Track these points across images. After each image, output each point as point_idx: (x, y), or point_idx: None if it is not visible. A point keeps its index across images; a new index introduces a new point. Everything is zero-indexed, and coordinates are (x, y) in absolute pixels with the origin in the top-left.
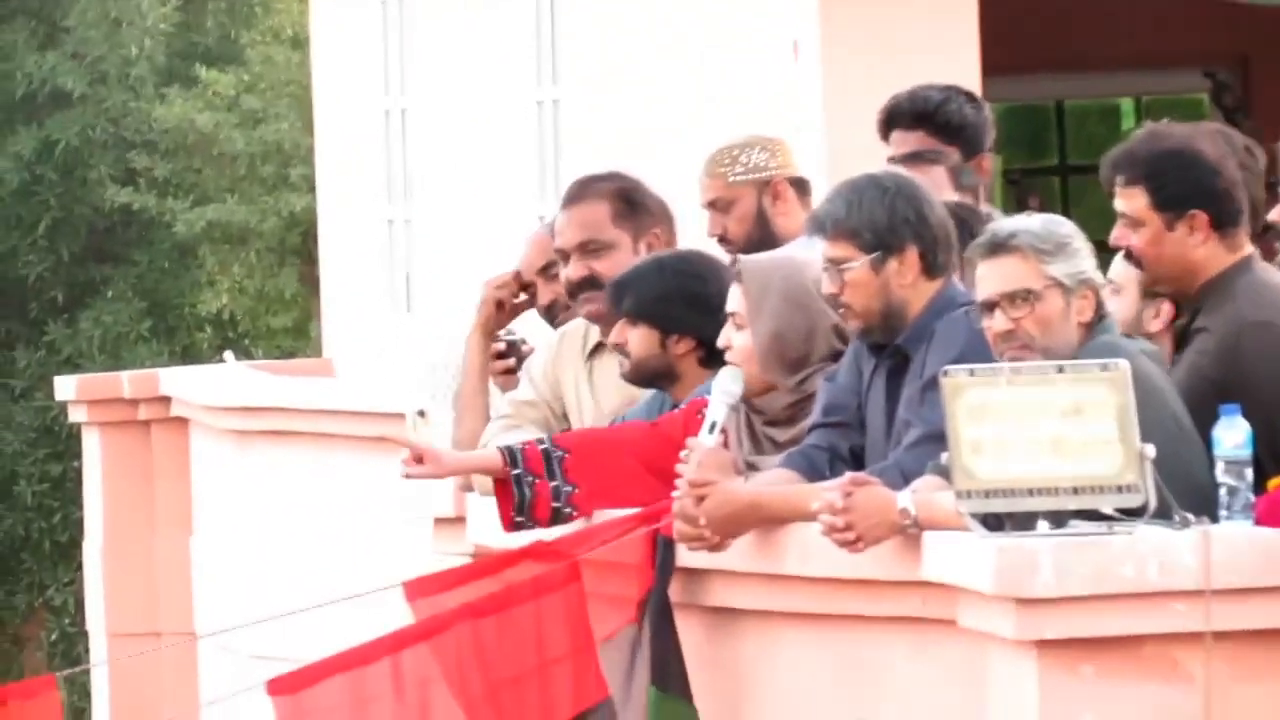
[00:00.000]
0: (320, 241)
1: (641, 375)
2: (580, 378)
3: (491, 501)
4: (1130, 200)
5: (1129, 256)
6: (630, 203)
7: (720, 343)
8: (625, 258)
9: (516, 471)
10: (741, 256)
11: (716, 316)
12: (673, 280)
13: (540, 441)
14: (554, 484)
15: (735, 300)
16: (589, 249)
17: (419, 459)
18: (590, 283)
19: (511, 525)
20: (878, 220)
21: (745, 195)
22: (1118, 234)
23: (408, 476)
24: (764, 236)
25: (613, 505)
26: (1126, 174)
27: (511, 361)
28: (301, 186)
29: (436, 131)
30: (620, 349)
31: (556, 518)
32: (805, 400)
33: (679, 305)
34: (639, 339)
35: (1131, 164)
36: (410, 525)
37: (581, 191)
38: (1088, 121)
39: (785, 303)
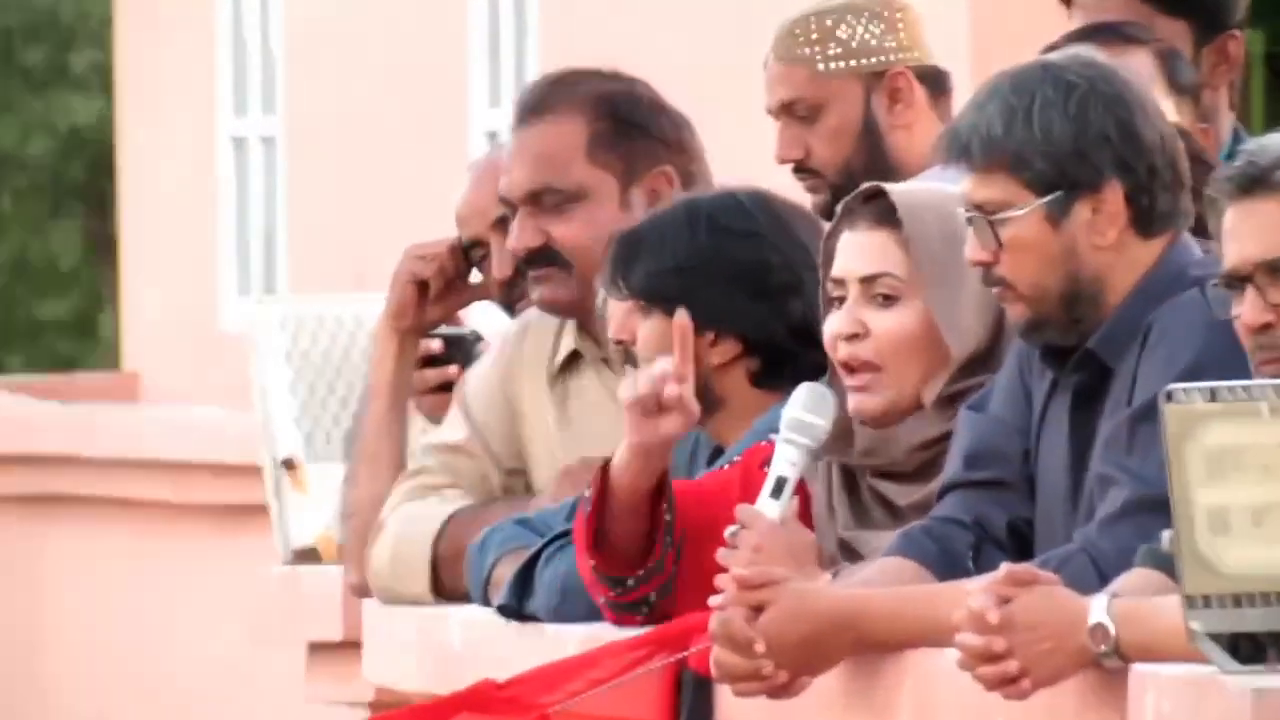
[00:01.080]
0: (119, 177)
1: None
2: (543, 403)
3: (402, 616)
4: None
5: None
6: (620, 123)
7: (838, 330)
8: (605, 215)
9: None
10: (890, 186)
11: (781, 305)
12: (713, 241)
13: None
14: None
15: (865, 256)
16: (545, 201)
17: None
18: (545, 254)
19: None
20: (1058, 139)
21: (844, 93)
22: None
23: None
24: (871, 163)
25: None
26: None
27: (453, 372)
28: (90, 83)
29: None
30: (625, 350)
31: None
32: (947, 439)
33: (723, 284)
34: (655, 337)
35: None
36: (267, 654)
37: (542, 102)
38: None
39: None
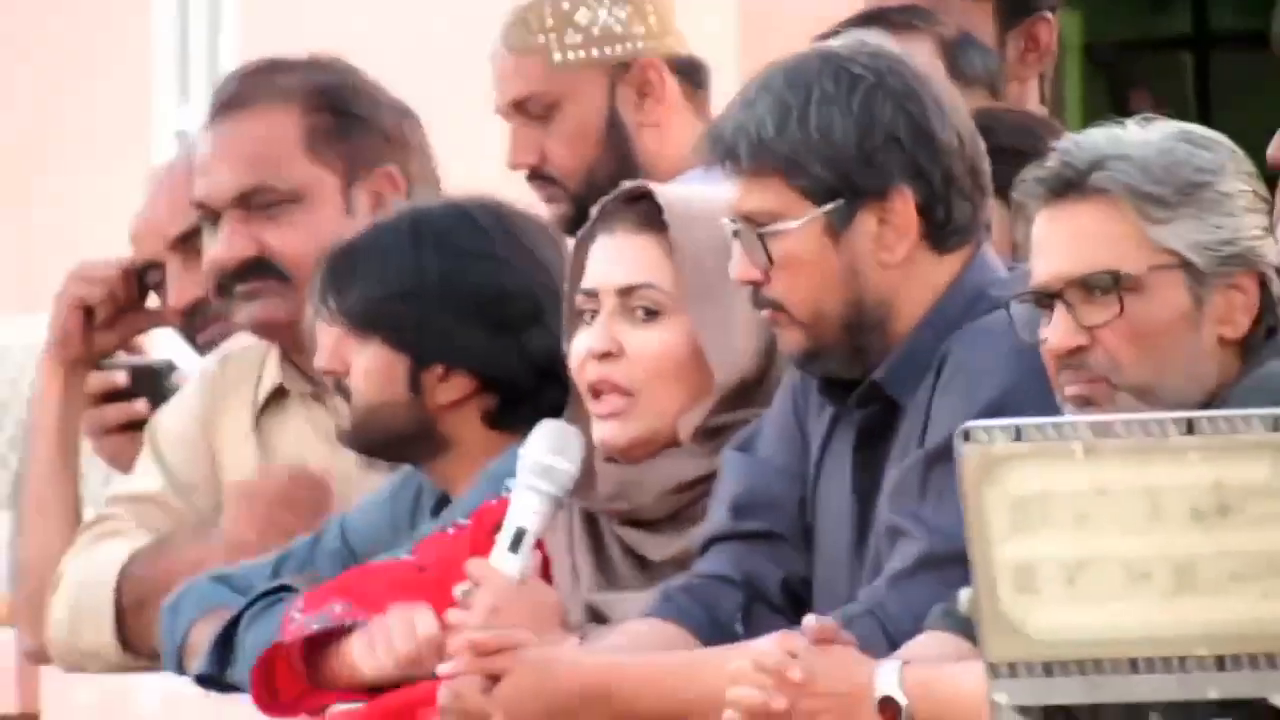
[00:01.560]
0: None
1: (371, 436)
2: (246, 446)
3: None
4: None
5: None
6: (340, 113)
7: (590, 347)
8: (327, 219)
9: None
10: (657, 187)
11: (518, 336)
12: (442, 263)
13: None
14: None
15: (624, 264)
16: (256, 203)
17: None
18: (258, 266)
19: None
20: (839, 141)
21: (585, 88)
22: None
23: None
24: (618, 167)
25: None
26: None
27: (140, 407)
28: None
29: None
30: (336, 382)
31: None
32: (709, 483)
33: (453, 312)
34: (371, 366)
35: None
36: None
37: (247, 91)
38: None
39: None
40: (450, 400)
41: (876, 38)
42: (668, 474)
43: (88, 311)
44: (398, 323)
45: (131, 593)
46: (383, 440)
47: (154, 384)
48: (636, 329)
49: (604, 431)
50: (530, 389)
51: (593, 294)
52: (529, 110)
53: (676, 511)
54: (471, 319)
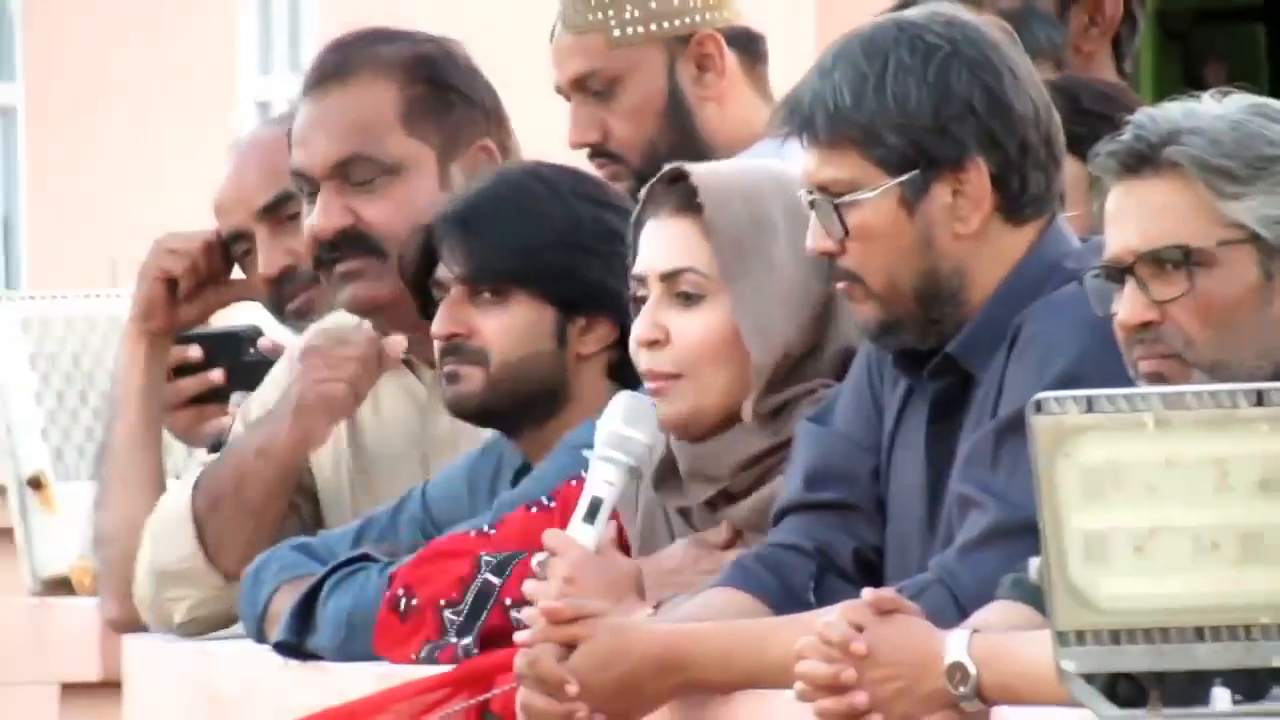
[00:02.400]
0: None
1: (509, 392)
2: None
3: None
4: None
5: None
6: (440, 87)
7: (637, 336)
8: (423, 193)
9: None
10: (693, 166)
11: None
12: (584, 205)
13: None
14: None
15: (666, 249)
16: (354, 174)
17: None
18: (353, 238)
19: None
20: (915, 111)
21: (645, 63)
22: None
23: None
24: (679, 142)
25: None
26: None
27: (215, 376)
28: None
29: None
30: (454, 346)
31: None
32: (779, 455)
33: (601, 255)
34: (515, 321)
35: None
36: (17, 694)
37: (347, 62)
38: None
39: (795, 254)
40: (590, 351)
41: (950, 7)
42: (737, 449)
43: (171, 283)
44: (550, 272)
45: (204, 498)
46: (520, 396)
47: (232, 351)
48: (680, 314)
49: (660, 409)
50: None
51: (642, 279)
52: (589, 87)
53: (752, 485)
54: (617, 267)
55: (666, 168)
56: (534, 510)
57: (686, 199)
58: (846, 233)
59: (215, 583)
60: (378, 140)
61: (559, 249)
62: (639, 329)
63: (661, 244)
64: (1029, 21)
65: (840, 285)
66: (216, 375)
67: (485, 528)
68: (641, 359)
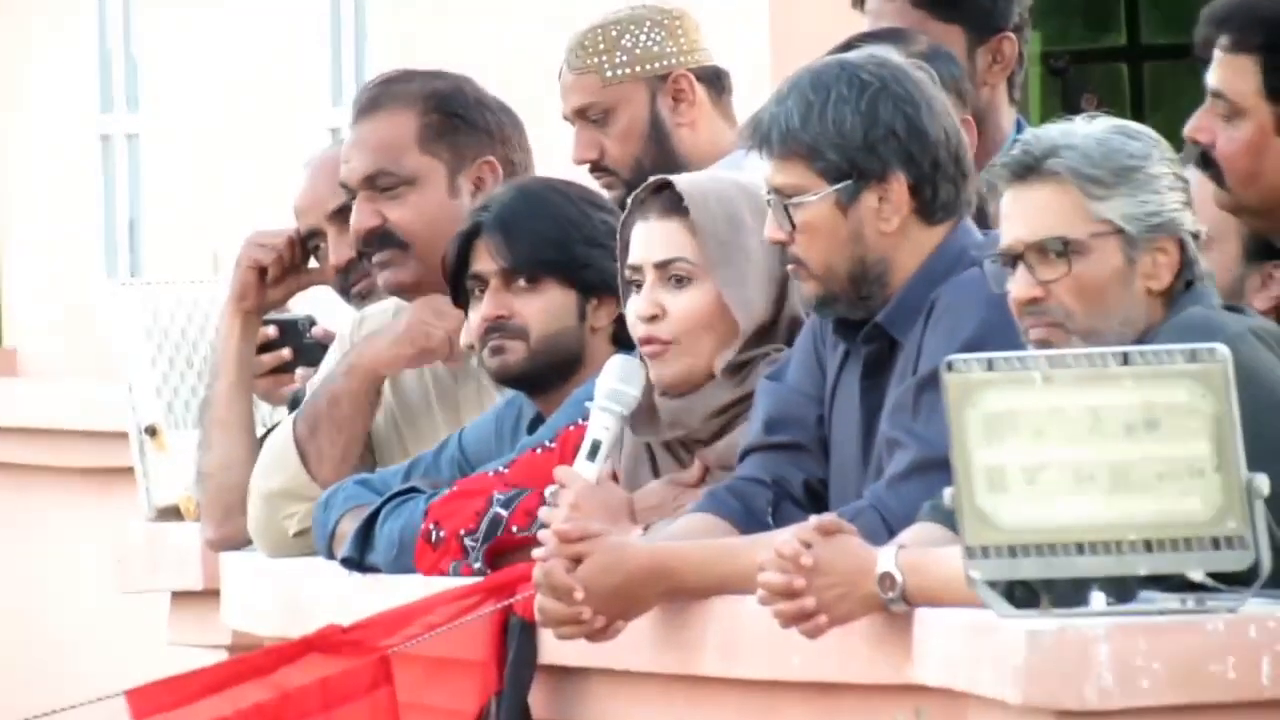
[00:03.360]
0: None
1: (546, 360)
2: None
3: (254, 564)
4: (1232, 75)
5: (1204, 162)
6: (448, 115)
7: (638, 312)
8: (435, 199)
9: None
10: (675, 178)
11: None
12: (595, 210)
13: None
14: None
15: (658, 243)
16: (380, 184)
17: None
18: (383, 236)
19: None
20: (849, 132)
21: (632, 97)
22: (1199, 123)
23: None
24: (660, 159)
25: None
26: (1235, 34)
27: (285, 354)
28: None
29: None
30: (498, 326)
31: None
32: (742, 405)
33: (609, 247)
34: (549, 303)
35: (1247, 23)
36: (137, 602)
37: (377, 97)
38: None
39: (763, 244)
40: (601, 325)
41: (883, 51)
42: (708, 402)
43: (261, 271)
44: (575, 263)
45: (304, 424)
46: (553, 363)
47: (294, 335)
48: (672, 294)
49: (656, 371)
50: None
51: (637, 268)
52: (588, 116)
53: (718, 431)
54: (611, 254)
55: (651, 179)
56: (539, 451)
57: (672, 203)
58: (794, 227)
59: (319, 495)
60: (398, 158)
61: (580, 244)
62: (640, 306)
63: (654, 239)
64: (934, 60)
65: (790, 267)
66: (285, 353)
67: (501, 468)
68: (640, 329)
